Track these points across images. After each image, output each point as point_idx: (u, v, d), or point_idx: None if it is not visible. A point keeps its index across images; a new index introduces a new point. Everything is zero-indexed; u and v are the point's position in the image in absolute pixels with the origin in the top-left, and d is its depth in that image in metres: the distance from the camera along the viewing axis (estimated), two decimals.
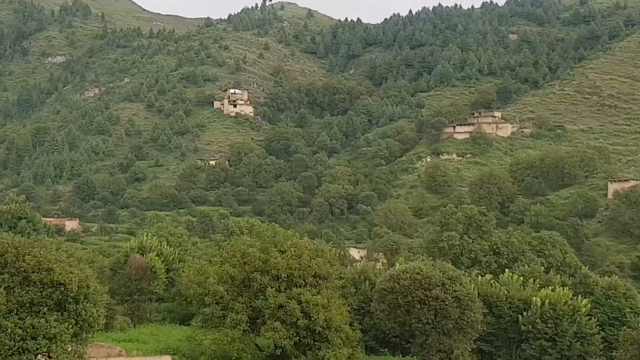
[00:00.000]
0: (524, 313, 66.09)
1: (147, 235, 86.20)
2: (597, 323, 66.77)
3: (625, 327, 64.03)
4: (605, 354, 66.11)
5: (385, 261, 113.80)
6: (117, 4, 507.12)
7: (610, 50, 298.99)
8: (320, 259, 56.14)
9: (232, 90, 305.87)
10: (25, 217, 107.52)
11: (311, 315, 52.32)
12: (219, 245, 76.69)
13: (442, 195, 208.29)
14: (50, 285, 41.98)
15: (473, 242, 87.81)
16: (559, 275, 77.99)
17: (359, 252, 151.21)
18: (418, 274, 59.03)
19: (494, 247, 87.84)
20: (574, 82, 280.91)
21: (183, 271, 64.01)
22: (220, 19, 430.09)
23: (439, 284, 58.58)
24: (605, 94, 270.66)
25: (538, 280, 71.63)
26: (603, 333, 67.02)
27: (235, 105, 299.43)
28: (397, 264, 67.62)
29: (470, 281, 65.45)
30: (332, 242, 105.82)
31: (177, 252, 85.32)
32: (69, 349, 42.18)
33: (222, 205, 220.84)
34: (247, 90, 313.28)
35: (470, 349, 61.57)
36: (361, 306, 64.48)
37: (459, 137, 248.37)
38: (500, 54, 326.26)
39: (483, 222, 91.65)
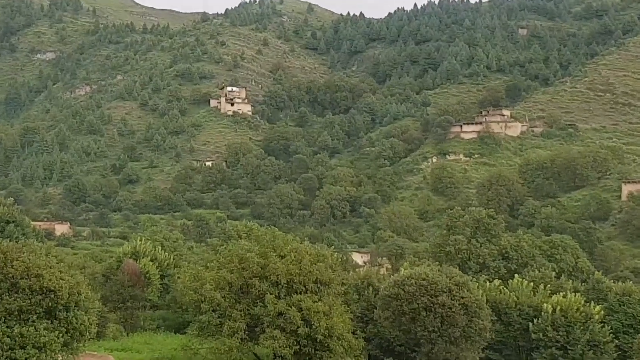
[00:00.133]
0: (535, 320, 65.99)
1: (140, 240, 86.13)
2: (611, 331, 66.65)
3: None
4: None
5: (389, 266, 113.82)
6: None
7: (624, 46, 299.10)
8: (322, 264, 56.08)
9: (229, 88, 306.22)
10: (13, 221, 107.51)
11: (312, 323, 52.27)
12: (215, 250, 76.60)
13: (449, 197, 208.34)
14: (40, 292, 41.97)
15: (481, 246, 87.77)
16: (570, 281, 77.90)
17: (362, 257, 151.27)
18: (424, 279, 58.99)
19: (503, 251, 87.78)
20: (586, 79, 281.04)
21: (178, 277, 63.95)
22: (217, 13, 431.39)
23: (445, 290, 58.53)
24: (618, 91, 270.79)
25: (549, 286, 71.54)
26: (617, 341, 66.90)
27: (232, 104, 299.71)
28: (402, 270, 67.58)
29: (478, 287, 65.38)
30: (334, 246, 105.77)
31: (172, 258, 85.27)
32: (59, 359, 42.19)
33: (219, 208, 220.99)
34: (245, 88, 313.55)
35: (478, 358, 61.53)
36: (364, 313, 64.41)
37: (467, 136, 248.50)
38: (509, 49, 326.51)
39: (491, 225, 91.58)
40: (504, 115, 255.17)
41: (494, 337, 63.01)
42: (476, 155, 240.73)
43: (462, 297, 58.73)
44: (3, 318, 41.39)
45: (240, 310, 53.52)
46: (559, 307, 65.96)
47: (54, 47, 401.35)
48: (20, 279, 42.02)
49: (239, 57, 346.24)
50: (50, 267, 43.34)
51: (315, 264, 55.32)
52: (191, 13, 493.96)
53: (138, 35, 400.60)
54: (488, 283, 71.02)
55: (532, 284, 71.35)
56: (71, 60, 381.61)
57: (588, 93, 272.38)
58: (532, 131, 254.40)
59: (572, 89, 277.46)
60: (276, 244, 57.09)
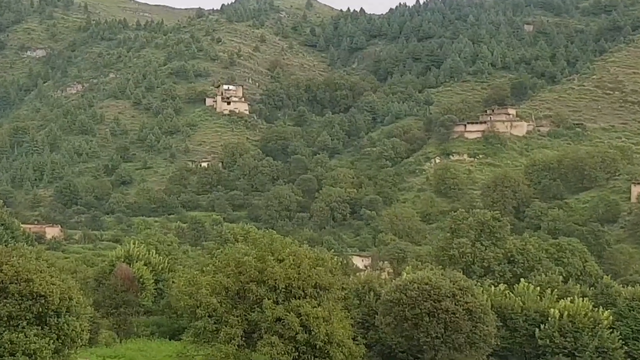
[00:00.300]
0: (541, 326, 66.07)
1: (134, 243, 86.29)
2: (620, 337, 66.70)
3: None
4: None
5: (391, 270, 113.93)
6: None
7: (633, 43, 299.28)
8: (321, 268, 56.13)
9: (225, 87, 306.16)
10: (2, 224, 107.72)
11: (311, 329, 52.31)
12: (211, 253, 76.63)
13: (453, 199, 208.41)
14: (30, 297, 42.00)
15: (486, 249, 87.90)
16: (578, 285, 78.03)
17: (362, 260, 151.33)
18: (426, 284, 59.04)
19: (509, 255, 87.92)
20: (594, 76, 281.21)
21: (173, 282, 64.02)
22: (213, 9, 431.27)
23: (449, 295, 58.59)
24: (628, 89, 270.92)
25: (556, 290, 71.66)
26: (626, 347, 66.93)
27: (229, 103, 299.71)
28: (404, 274, 67.66)
29: (482, 292, 65.50)
30: (333, 250, 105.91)
31: (166, 261, 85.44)
32: None
33: (215, 211, 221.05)
34: (242, 86, 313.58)
35: None
36: (365, 319, 64.48)
37: (471, 136, 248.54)
38: (514, 46, 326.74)
39: (496, 228, 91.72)
40: (509, 115, 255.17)
41: (499, 343, 63.07)
42: (481, 156, 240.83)
43: (467, 302, 58.80)
44: None
45: (237, 316, 53.56)
46: (566, 313, 66.03)
47: (45, 44, 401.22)
48: (10, 283, 42.06)
49: (236, 54, 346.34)
50: (41, 272, 43.39)
51: (315, 268, 55.35)
52: (186, 9, 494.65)
53: (131, 31, 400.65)
54: (493, 287, 71.11)
55: (538, 288, 71.47)
56: (62, 57, 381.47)
57: (596, 91, 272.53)
58: (539, 131, 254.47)
59: (579, 87, 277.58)
60: (274, 247, 57.14)
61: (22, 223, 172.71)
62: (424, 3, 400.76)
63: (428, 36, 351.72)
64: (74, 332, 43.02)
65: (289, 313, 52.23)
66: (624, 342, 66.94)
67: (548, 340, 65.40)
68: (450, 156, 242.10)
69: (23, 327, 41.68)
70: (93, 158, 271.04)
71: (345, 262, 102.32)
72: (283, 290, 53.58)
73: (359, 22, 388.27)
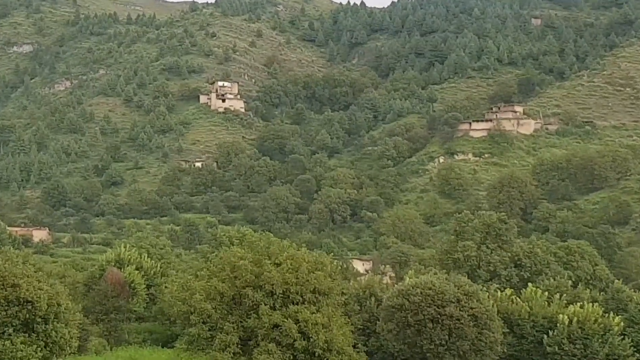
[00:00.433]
0: (550, 333, 66.07)
1: (125, 247, 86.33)
2: (632, 344, 66.72)
3: None
4: None
5: (393, 275, 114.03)
6: None
7: None
8: (320, 272, 56.17)
9: (220, 83, 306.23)
10: None
11: (310, 335, 52.36)
12: (206, 257, 76.74)
13: (457, 200, 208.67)
14: (17, 303, 42.02)
15: (492, 253, 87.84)
16: (588, 290, 78.05)
17: (363, 264, 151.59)
18: (430, 289, 59.07)
19: (515, 258, 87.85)
20: (604, 72, 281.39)
21: (166, 287, 64.06)
22: (207, 2, 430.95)
23: (453, 300, 58.61)
24: (639, 85, 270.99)
25: (565, 295, 71.65)
26: (638, 355, 66.98)
27: (223, 100, 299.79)
28: (407, 278, 67.64)
29: (488, 297, 65.49)
30: (333, 253, 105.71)
31: (159, 266, 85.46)
32: None
33: (210, 213, 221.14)
34: (237, 82, 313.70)
35: None
36: (366, 325, 64.50)
37: (476, 134, 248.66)
38: (521, 41, 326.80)
39: (503, 230, 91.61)
40: (516, 112, 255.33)
41: (505, 350, 63.10)
42: (486, 155, 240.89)
43: (472, 308, 58.83)
44: None
45: (233, 322, 53.59)
46: (575, 319, 66.02)
47: (32, 39, 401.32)
48: None
49: (231, 49, 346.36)
50: (28, 277, 43.40)
51: (313, 273, 55.40)
52: (179, 2, 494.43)
53: (122, 26, 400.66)
54: (499, 292, 71.08)
55: (546, 293, 71.43)
56: (50, 53, 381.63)
57: (606, 88, 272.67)
58: (547, 129, 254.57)
59: (589, 83, 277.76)
60: (271, 250, 57.19)
61: (8, 226, 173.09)
62: None
63: (431, 30, 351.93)
64: (62, 339, 43.05)
65: (287, 319, 52.28)
66: (635, 349, 66.95)
67: (557, 348, 65.39)
68: (455, 155, 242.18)
69: (9, 335, 41.71)
70: (82, 158, 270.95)
71: (345, 266, 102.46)
72: (280, 295, 53.63)
73: (359, 16, 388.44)
